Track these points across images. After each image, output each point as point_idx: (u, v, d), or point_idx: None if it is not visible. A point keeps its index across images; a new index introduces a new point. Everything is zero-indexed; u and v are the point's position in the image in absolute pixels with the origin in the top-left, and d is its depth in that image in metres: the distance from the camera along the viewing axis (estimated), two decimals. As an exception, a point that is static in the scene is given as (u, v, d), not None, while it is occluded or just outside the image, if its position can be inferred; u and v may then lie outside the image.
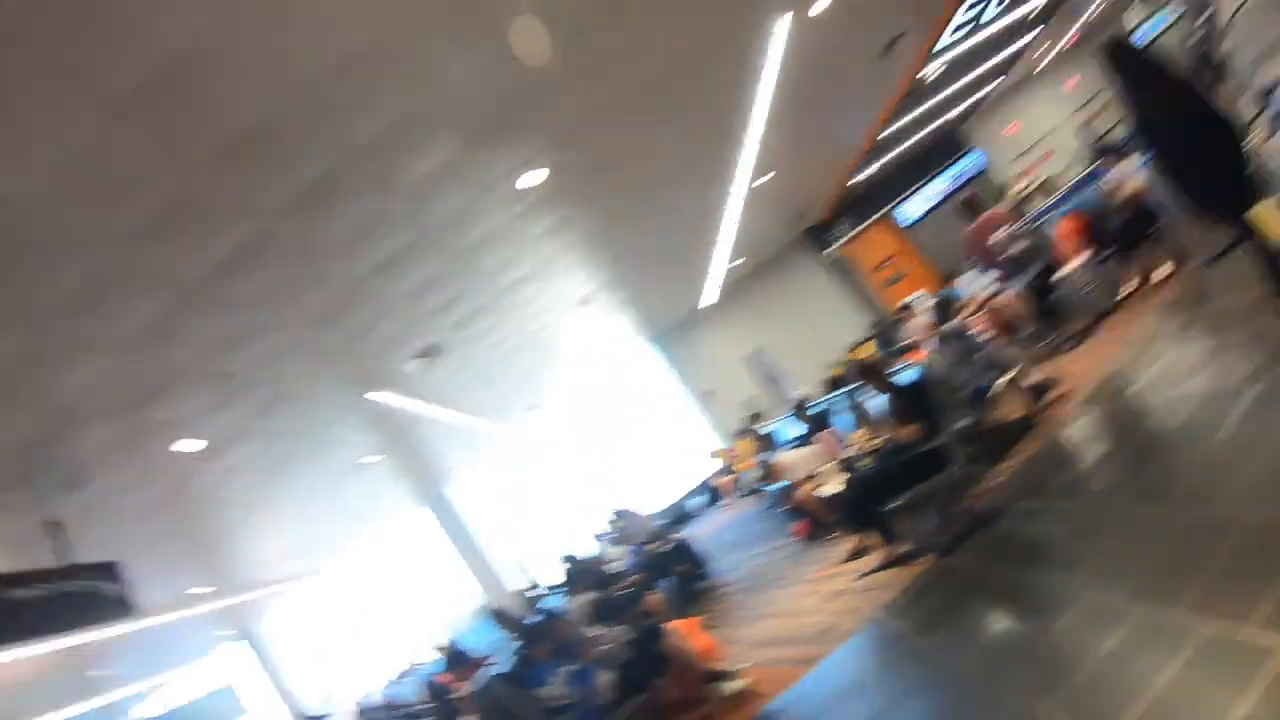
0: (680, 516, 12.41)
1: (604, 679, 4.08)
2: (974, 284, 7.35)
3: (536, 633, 4.79)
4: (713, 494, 12.73)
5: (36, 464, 4.52)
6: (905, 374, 5.17)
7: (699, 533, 9.66)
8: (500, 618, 6.62)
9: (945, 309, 6.86)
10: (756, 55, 5.30)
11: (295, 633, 13.56)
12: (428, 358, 6.47)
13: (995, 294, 6.80)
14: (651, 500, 12.12)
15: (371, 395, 6.53)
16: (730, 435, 12.15)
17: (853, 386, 6.36)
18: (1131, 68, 2.13)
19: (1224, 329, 4.20)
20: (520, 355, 8.75)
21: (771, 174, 7.98)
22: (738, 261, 11.23)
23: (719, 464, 12.48)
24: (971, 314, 6.66)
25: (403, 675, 10.37)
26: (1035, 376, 5.23)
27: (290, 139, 3.32)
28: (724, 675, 4.02)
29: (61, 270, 3.19)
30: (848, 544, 4.96)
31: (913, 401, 4.29)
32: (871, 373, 4.76)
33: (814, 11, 5.13)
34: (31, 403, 3.93)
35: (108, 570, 4.61)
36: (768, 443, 9.01)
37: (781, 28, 5.06)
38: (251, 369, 4.98)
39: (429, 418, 8.13)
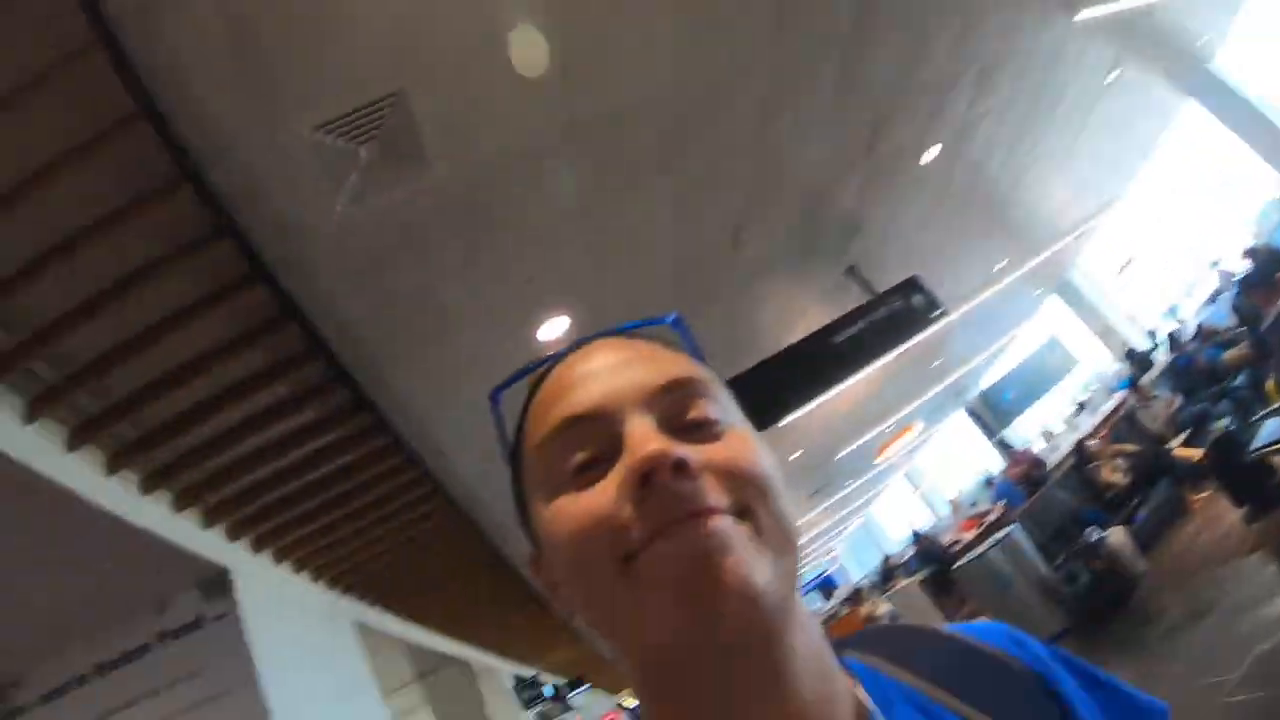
0: None
1: None
2: None
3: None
4: None
5: (816, 229, 5.26)
6: None
7: None
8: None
9: None
10: None
11: (1107, 272, 13.28)
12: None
13: None
14: None
15: (1078, 17, 5.78)
16: None
17: None
18: None
19: None
20: None
21: None
22: None
23: None
24: None
25: (1214, 295, 9.52)
26: None
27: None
28: None
29: (743, 98, 3.74)
30: None
31: None
32: None
33: None
34: (787, 191, 4.75)
35: (909, 285, 5.26)
36: None
37: None
38: (944, 67, 4.81)
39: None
